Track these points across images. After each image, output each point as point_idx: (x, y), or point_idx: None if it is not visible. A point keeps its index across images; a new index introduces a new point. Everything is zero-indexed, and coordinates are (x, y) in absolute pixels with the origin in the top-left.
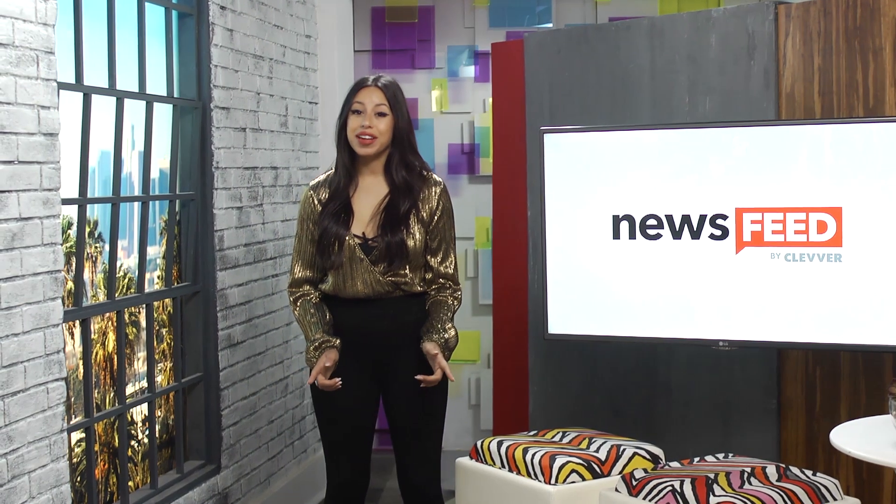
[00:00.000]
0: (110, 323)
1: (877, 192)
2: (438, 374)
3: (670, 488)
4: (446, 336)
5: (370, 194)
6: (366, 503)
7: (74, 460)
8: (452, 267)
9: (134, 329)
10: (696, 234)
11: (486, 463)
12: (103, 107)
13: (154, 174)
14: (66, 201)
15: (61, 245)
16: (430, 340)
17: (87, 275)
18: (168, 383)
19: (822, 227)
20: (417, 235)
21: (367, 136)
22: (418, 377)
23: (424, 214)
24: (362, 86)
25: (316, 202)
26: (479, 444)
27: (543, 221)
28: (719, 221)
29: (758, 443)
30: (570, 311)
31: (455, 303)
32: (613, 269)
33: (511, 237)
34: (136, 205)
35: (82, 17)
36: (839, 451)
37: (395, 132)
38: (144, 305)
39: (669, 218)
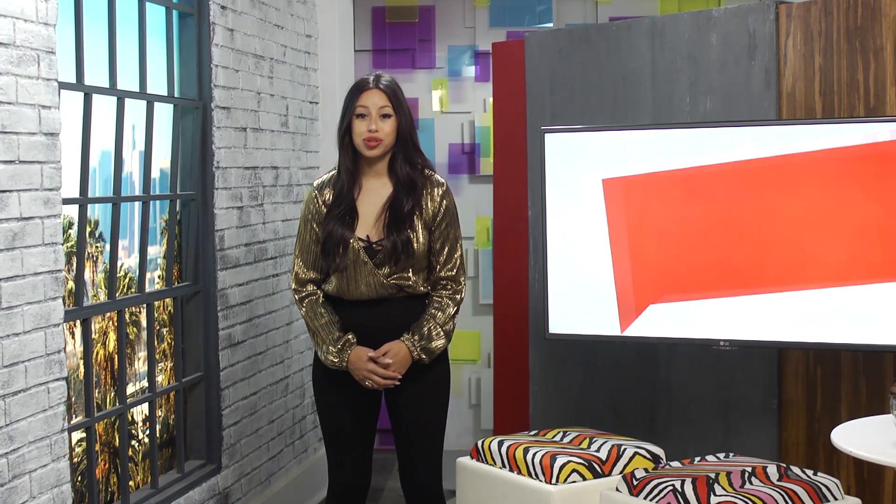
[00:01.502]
0: (111, 323)
1: (877, 192)
2: (381, 358)
3: (671, 488)
4: (424, 343)
5: (374, 195)
6: (366, 503)
7: (75, 460)
8: (455, 269)
9: (134, 329)
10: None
11: (487, 463)
12: (104, 106)
13: (155, 174)
14: (66, 201)
15: (62, 245)
16: (403, 339)
17: (87, 274)
18: (168, 383)
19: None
20: (421, 237)
21: (374, 141)
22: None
23: (427, 215)
24: (364, 88)
25: (321, 203)
26: (479, 443)
27: (544, 221)
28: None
29: (758, 442)
30: (571, 311)
31: (450, 304)
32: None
33: (512, 237)
34: (137, 204)
35: (83, 17)
36: (840, 451)
37: (399, 132)
38: (145, 305)
39: None
